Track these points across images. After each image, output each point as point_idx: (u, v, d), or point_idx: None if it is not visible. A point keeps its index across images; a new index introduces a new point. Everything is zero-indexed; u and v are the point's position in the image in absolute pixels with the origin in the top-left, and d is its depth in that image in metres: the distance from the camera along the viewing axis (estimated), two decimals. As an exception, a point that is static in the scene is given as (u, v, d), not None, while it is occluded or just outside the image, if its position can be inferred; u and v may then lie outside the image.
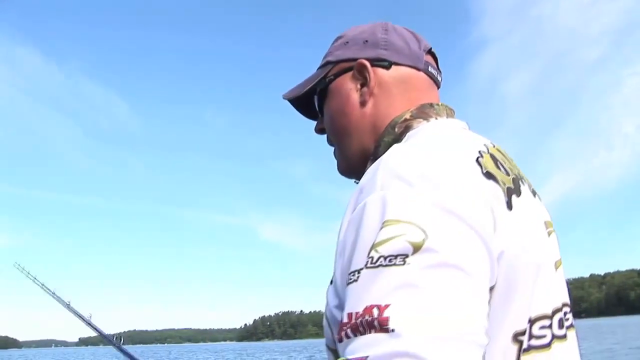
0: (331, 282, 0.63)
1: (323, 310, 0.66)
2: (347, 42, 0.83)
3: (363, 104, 0.79)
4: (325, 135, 0.87)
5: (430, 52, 0.83)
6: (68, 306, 2.22)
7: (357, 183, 0.65)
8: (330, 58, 0.84)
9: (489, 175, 0.60)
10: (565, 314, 0.67)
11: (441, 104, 0.77)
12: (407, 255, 0.49)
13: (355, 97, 0.80)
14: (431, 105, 0.76)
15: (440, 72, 0.85)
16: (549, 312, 0.63)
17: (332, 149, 0.87)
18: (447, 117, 0.76)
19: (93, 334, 2.27)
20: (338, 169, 0.86)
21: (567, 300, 0.69)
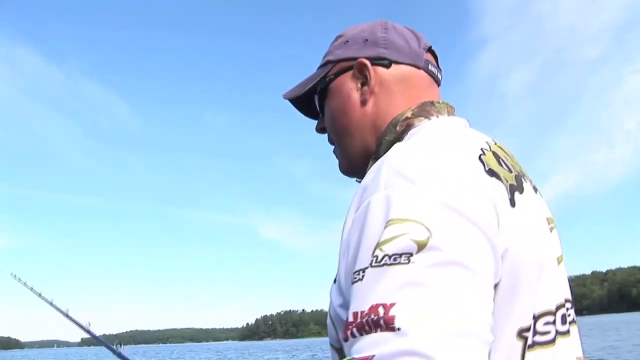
0: (334, 281, 0.63)
1: (325, 309, 0.66)
2: (347, 41, 0.83)
3: (364, 102, 0.79)
4: (326, 135, 0.87)
5: (430, 50, 0.83)
6: (67, 315, 2.19)
7: (359, 182, 0.65)
8: (330, 57, 0.84)
9: (491, 173, 0.60)
10: (567, 309, 0.67)
11: (442, 102, 0.77)
12: (411, 254, 0.49)
13: (355, 96, 0.80)
14: (432, 103, 0.76)
15: (440, 70, 0.85)
16: (552, 308, 0.63)
17: (332, 147, 0.87)
18: (448, 115, 0.76)
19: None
20: (339, 168, 0.86)
21: (569, 296, 0.69)
